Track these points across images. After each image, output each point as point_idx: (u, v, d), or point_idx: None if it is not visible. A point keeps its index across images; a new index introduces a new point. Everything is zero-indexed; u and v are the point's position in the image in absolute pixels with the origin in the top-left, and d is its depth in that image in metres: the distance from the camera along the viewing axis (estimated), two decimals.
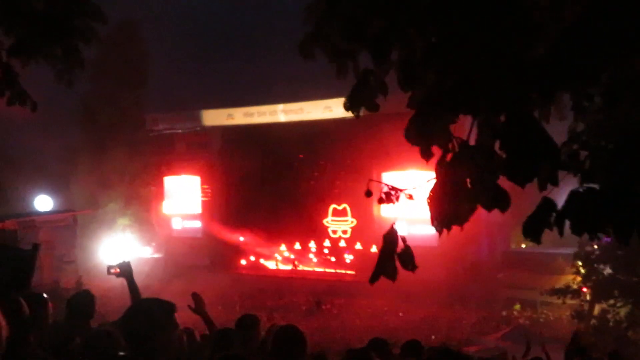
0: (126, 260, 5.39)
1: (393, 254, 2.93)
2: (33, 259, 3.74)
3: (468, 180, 2.58)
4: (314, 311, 27.64)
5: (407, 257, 2.95)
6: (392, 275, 2.92)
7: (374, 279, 2.94)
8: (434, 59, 2.60)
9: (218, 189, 38.09)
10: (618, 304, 21.89)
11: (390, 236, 2.92)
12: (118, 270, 5.34)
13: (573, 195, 2.83)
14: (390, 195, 2.94)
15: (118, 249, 34.87)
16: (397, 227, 3.02)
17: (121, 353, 3.94)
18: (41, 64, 4.85)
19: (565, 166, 2.95)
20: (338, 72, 3.37)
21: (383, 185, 3.01)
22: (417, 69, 2.77)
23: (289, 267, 35.01)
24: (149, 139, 39.97)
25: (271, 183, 35.13)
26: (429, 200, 2.66)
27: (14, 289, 3.54)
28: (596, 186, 2.85)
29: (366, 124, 28.91)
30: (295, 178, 35.04)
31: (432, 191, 2.69)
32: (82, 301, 5.44)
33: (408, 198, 2.93)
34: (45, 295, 4.66)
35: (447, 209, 2.63)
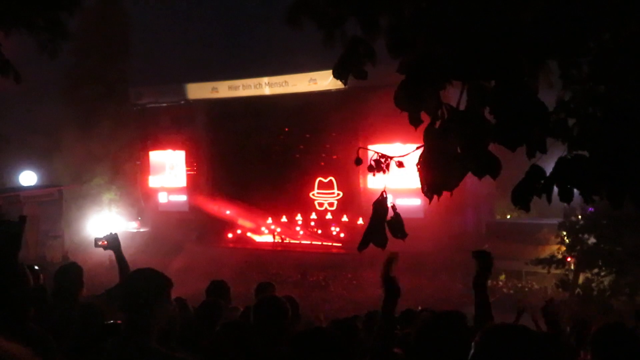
0: (113, 232, 5.38)
1: (383, 222, 2.93)
2: (20, 231, 3.71)
3: (458, 146, 2.57)
4: (301, 283, 27.79)
5: (397, 225, 2.95)
6: (381, 242, 2.92)
7: (362, 246, 2.94)
8: (424, 24, 2.59)
9: (203, 163, 38.04)
10: (602, 273, 22.18)
11: (380, 204, 2.92)
12: (106, 242, 5.32)
13: (561, 162, 2.84)
14: (380, 164, 2.93)
15: (104, 223, 34.78)
16: (387, 195, 3.02)
17: (111, 321, 3.96)
18: (24, 35, 4.77)
19: (554, 133, 2.95)
20: (325, 40, 3.33)
21: (373, 153, 3.00)
22: (407, 35, 2.75)
23: (275, 240, 35.10)
24: (133, 113, 39.73)
25: (257, 156, 35.07)
26: (418, 167, 2.65)
27: (2, 262, 3.50)
28: (584, 153, 2.86)
29: (352, 97, 28.91)
30: (281, 151, 35.00)
31: (421, 158, 2.68)
32: (69, 274, 5.42)
33: (398, 166, 2.92)
34: (37, 267, 4.64)
35: (437, 175, 2.62)
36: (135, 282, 3.47)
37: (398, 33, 2.77)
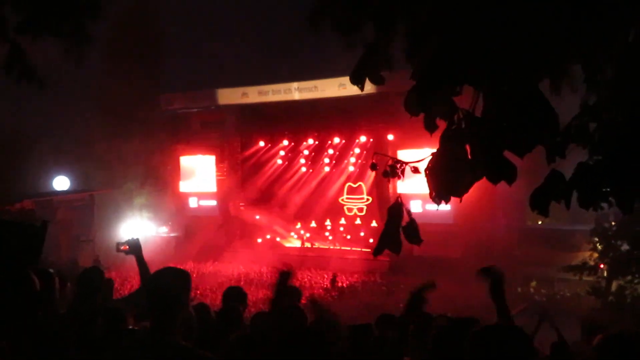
0: (135, 237, 5.43)
1: (398, 227, 2.91)
2: (42, 235, 3.76)
3: (469, 151, 2.54)
4: (329, 288, 27.71)
5: (412, 230, 2.93)
6: (396, 248, 2.90)
7: (377, 252, 2.93)
8: (437, 29, 2.56)
9: (233, 168, 38.17)
10: (635, 280, 21.80)
11: (395, 209, 2.90)
12: (127, 247, 5.38)
13: (581, 167, 2.80)
14: (395, 169, 2.91)
15: (135, 228, 35.08)
16: (404, 201, 3.00)
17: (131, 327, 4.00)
18: (50, 42, 4.83)
19: (575, 138, 2.91)
20: (347, 45, 3.34)
21: (388, 158, 2.99)
22: (422, 40, 2.73)
23: (304, 245, 35.09)
24: (164, 119, 40.02)
25: (286, 161, 35.15)
26: (427, 172, 2.63)
27: (22, 264, 3.56)
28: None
29: (381, 102, 28.83)
30: (310, 156, 35.03)
31: (430, 163, 2.66)
32: (90, 277, 5.47)
33: (413, 171, 2.90)
34: (51, 270, 4.70)
35: (445, 181, 2.60)
36: (160, 279, 3.54)
37: (414, 38, 2.76)
